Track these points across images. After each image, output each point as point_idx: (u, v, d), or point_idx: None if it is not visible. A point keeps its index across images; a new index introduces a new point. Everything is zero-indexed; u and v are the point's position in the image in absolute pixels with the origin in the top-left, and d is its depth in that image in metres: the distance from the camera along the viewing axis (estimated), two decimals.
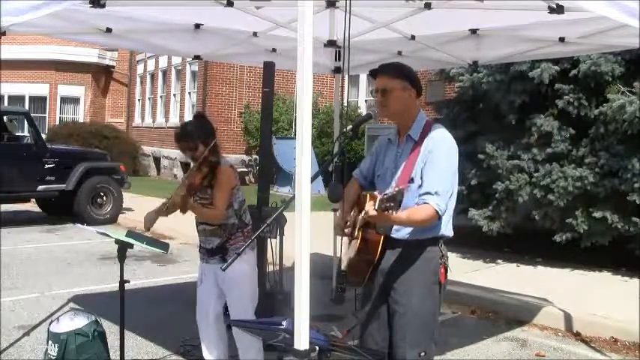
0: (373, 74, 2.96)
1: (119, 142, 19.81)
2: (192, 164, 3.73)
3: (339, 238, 3.09)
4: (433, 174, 2.77)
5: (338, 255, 3.16)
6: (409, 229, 2.84)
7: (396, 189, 2.48)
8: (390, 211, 2.49)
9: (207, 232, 3.69)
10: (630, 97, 6.75)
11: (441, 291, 2.91)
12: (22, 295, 6.35)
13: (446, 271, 2.91)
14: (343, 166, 3.08)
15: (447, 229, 2.89)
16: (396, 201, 2.45)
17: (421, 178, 2.80)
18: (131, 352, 4.59)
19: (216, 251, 3.68)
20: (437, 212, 2.71)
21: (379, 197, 2.55)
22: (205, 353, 3.86)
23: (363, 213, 2.67)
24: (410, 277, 2.85)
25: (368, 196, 2.82)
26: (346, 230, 2.94)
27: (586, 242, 7.28)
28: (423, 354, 2.85)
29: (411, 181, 2.79)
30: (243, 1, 4.29)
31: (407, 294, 2.85)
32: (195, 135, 3.60)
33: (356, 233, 2.85)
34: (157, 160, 21.53)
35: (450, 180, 2.81)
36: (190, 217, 3.76)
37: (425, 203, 2.72)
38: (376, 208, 2.53)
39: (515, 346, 5.22)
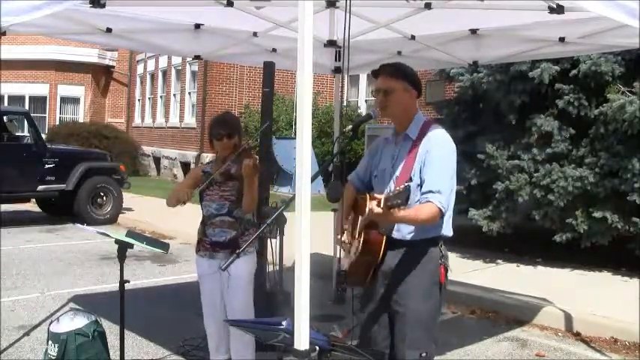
0: (375, 74, 2.97)
1: (119, 142, 19.79)
2: (214, 157, 3.82)
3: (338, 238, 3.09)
4: (433, 173, 2.78)
5: (338, 255, 3.15)
6: (409, 229, 2.84)
7: (402, 186, 2.46)
8: (397, 209, 2.46)
9: (226, 224, 3.65)
10: (630, 97, 6.74)
11: (442, 291, 2.90)
12: (22, 295, 6.35)
13: (446, 272, 2.91)
14: (342, 166, 3.08)
15: (447, 229, 2.90)
16: (402, 197, 2.43)
17: (420, 177, 2.80)
18: (131, 352, 4.59)
19: (228, 244, 3.63)
20: (440, 210, 2.72)
21: (384, 195, 2.53)
22: (213, 352, 3.82)
23: (367, 212, 2.64)
24: (410, 278, 2.85)
25: (367, 197, 2.82)
26: (344, 237, 2.92)
27: (586, 242, 7.28)
28: (423, 354, 2.84)
29: (410, 180, 2.79)
30: (243, 1, 4.29)
31: (407, 295, 2.85)
32: (237, 126, 3.81)
33: (356, 235, 2.84)
34: (157, 160, 21.52)
35: (450, 178, 2.82)
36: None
37: (428, 202, 2.72)
38: (382, 205, 2.49)
39: (515, 346, 5.22)
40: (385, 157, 3.00)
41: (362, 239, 2.77)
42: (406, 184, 2.47)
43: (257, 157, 3.77)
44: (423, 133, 2.88)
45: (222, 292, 3.71)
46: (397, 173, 2.87)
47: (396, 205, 2.44)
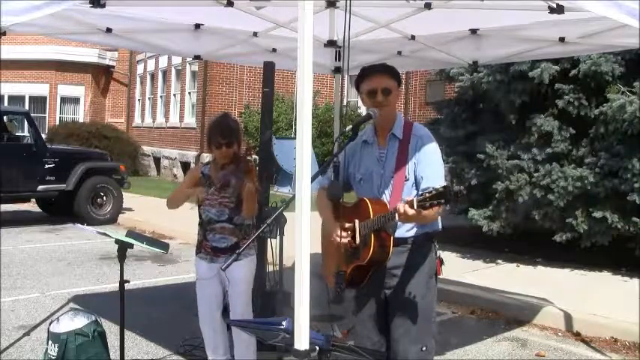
0: (366, 74, 2.97)
1: (119, 142, 19.79)
2: (214, 160, 3.76)
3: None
4: (432, 170, 2.85)
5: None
6: (407, 227, 2.88)
7: (440, 186, 2.45)
8: (435, 207, 2.46)
9: (226, 230, 3.67)
10: (630, 97, 6.74)
11: (436, 283, 2.99)
12: (22, 295, 6.35)
13: (441, 264, 2.99)
14: (342, 167, 3.08)
15: (439, 224, 2.99)
16: (446, 197, 2.42)
17: (415, 175, 2.86)
18: (131, 352, 4.59)
19: (228, 249, 3.64)
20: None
21: (416, 197, 2.50)
22: (210, 354, 3.83)
23: (397, 215, 2.58)
24: (411, 274, 2.90)
25: (368, 201, 2.83)
26: (345, 240, 2.91)
27: (586, 242, 7.29)
28: (424, 349, 2.90)
29: (406, 179, 2.87)
30: (243, 1, 4.29)
31: (409, 290, 2.90)
32: (237, 133, 3.72)
33: (359, 238, 2.82)
34: (157, 160, 21.52)
35: (444, 174, 2.90)
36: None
37: None
38: (415, 207, 2.47)
39: (515, 346, 5.22)
40: (368, 159, 3.02)
41: (374, 242, 2.76)
42: (445, 183, 2.48)
43: (256, 157, 3.76)
44: (408, 132, 2.94)
45: (221, 295, 3.73)
46: (393, 173, 2.90)
47: (437, 205, 2.45)
